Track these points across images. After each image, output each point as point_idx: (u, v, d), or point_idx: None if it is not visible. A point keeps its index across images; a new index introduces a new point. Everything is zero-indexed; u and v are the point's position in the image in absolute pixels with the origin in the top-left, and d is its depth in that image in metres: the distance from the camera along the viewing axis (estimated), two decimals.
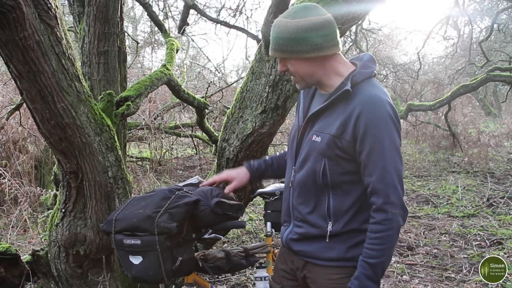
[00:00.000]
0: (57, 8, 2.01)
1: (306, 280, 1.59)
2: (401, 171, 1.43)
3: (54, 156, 2.86)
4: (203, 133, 5.01)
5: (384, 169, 1.39)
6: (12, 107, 4.79)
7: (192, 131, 6.33)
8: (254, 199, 3.62)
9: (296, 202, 1.56)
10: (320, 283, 1.54)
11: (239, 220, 2.07)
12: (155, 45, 8.98)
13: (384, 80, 11.52)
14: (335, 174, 1.45)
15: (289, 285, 1.68)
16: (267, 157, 1.89)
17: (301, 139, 1.55)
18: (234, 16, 5.45)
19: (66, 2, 3.50)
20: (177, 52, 3.94)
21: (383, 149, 1.38)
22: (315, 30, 1.39)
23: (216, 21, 4.62)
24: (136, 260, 1.67)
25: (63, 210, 2.50)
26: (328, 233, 1.49)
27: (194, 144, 6.88)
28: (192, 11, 4.44)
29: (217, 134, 4.48)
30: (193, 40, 7.84)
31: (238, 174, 1.84)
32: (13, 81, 2.16)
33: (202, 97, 4.48)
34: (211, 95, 6.02)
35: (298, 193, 1.55)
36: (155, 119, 5.95)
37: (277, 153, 1.92)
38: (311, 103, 1.59)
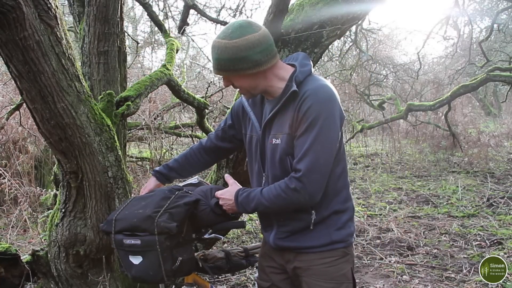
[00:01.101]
0: (57, 8, 2.01)
1: (296, 271, 1.66)
2: (326, 160, 1.50)
3: (54, 156, 2.86)
4: (203, 133, 5.01)
5: (307, 151, 1.47)
6: (12, 107, 4.79)
7: (192, 131, 6.32)
8: None
9: None
10: (314, 270, 1.62)
11: (239, 220, 2.07)
12: (155, 45, 8.98)
13: (384, 80, 11.52)
14: None
15: (278, 279, 1.76)
16: (170, 161, 1.99)
17: (263, 145, 1.64)
18: (234, 16, 5.44)
19: (66, 2, 3.50)
20: (177, 52, 3.94)
21: (315, 133, 1.46)
22: (253, 48, 1.48)
23: (216, 21, 4.61)
24: (136, 260, 1.67)
25: (63, 210, 2.50)
26: (312, 221, 1.58)
27: (194, 144, 6.86)
28: (192, 11, 4.43)
29: None
30: (193, 40, 7.85)
31: (148, 184, 1.95)
32: (13, 81, 2.16)
33: (202, 97, 4.48)
34: (211, 95, 6.02)
35: None
36: (155, 119, 5.95)
37: (180, 154, 2.01)
38: (262, 111, 1.68)
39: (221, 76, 1.67)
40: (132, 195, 2.57)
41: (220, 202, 1.68)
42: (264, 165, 1.66)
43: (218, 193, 1.69)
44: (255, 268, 2.41)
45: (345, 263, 1.64)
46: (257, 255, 2.29)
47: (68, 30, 2.29)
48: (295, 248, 1.65)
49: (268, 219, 1.71)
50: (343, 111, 1.56)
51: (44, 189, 4.89)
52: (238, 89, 1.63)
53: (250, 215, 4.98)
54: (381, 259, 3.93)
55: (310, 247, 1.61)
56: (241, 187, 1.66)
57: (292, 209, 1.59)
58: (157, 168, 1.98)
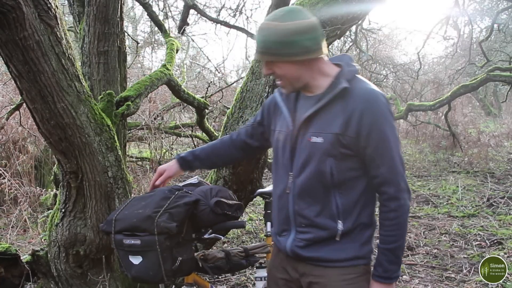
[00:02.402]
0: (57, 8, 2.01)
1: (313, 286, 1.53)
2: (402, 157, 1.49)
3: (54, 156, 2.86)
4: (203, 133, 5.01)
5: (392, 159, 1.44)
6: (12, 107, 4.79)
7: (192, 131, 6.32)
8: (254, 199, 3.62)
9: (300, 207, 1.51)
10: (333, 286, 1.49)
11: (239, 220, 2.07)
12: (155, 45, 8.98)
13: (384, 80, 11.52)
14: (341, 172, 1.45)
15: None
16: (197, 148, 1.92)
17: (294, 143, 1.52)
18: (234, 16, 5.45)
19: (66, 2, 3.50)
20: (177, 52, 3.94)
21: (388, 141, 1.43)
22: (304, 33, 1.41)
23: (216, 21, 4.62)
24: (136, 260, 1.67)
25: (63, 210, 2.50)
26: (340, 232, 1.47)
27: (194, 144, 6.88)
28: (192, 11, 4.44)
29: (217, 134, 4.48)
30: (193, 40, 7.84)
31: (168, 166, 1.87)
32: (13, 81, 2.16)
33: (202, 97, 4.48)
34: (211, 95, 6.02)
35: (301, 198, 1.50)
36: (155, 119, 5.95)
37: (208, 144, 1.94)
38: (296, 106, 1.57)
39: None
40: (132, 195, 2.57)
41: None
42: (292, 164, 1.53)
43: None
44: (255, 268, 2.40)
45: (365, 282, 1.51)
46: (257, 255, 2.29)
47: (68, 30, 2.29)
48: (315, 259, 1.50)
49: (286, 221, 1.56)
50: None
51: (44, 189, 4.89)
52: (279, 81, 1.52)
53: (250, 215, 4.98)
54: None
55: (333, 260, 1.48)
56: (373, 276, 1.50)
57: (315, 213, 1.49)
58: (182, 154, 1.88)
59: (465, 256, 3.94)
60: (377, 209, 1.55)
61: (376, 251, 1.50)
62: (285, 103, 1.60)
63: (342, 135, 1.43)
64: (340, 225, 1.47)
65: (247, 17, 8.19)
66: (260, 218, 4.88)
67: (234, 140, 1.86)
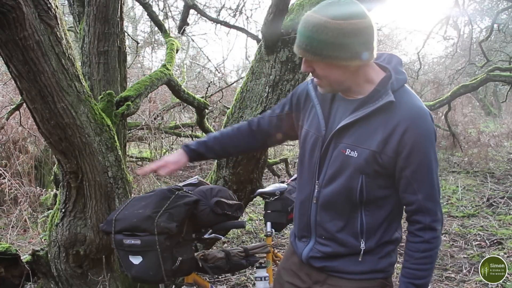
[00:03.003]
0: (57, 8, 2.01)
1: None
2: (439, 186, 1.36)
3: (54, 156, 2.86)
4: (203, 133, 5.01)
5: (432, 186, 1.31)
6: (12, 107, 4.79)
7: (192, 131, 6.32)
8: (254, 199, 3.62)
9: (322, 219, 1.41)
10: None
11: (239, 220, 2.07)
12: (155, 45, 8.98)
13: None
14: (371, 191, 1.34)
15: None
16: (209, 138, 1.71)
17: (326, 150, 1.38)
18: (234, 16, 5.44)
19: (66, 2, 3.50)
20: (177, 52, 3.94)
21: (430, 166, 1.30)
22: (357, 36, 1.23)
23: (216, 21, 4.61)
24: (136, 260, 1.67)
25: (63, 210, 2.50)
26: (362, 252, 1.38)
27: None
28: (192, 11, 4.43)
29: None
30: (193, 40, 7.83)
31: (175, 158, 1.67)
32: (13, 81, 2.16)
33: (202, 97, 4.48)
34: (211, 95, 6.02)
35: (325, 210, 1.40)
36: (155, 119, 5.95)
37: (219, 132, 1.74)
38: (331, 108, 1.42)
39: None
40: (132, 195, 2.57)
41: None
42: (320, 173, 1.40)
43: None
44: (255, 268, 2.40)
45: None
46: (257, 255, 2.29)
47: (68, 30, 2.29)
48: (332, 269, 1.42)
49: (306, 229, 1.46)
50: None
51: (44, 189, 4.89)
52: (317, 79, 1.35)
53: (250, 215, 4.98)
54: None
55: (348, 272, 1.40)
56: None
57: (337, 228, 1.39)
58: (192, 146, 1.68)
59: (465, 256, 3.94)
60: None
61: (398, 282, 1.39)
62: (319, 100, 1.44)
63: (379, 153, 1.29)
64: (362, 245, 1.37)
65: (247, 17, 8.16)
66: (260, 218, 4.88)
67: (255, 131, 1.67)
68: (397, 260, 1.48)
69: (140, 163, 6.56)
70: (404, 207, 1.36)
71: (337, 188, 1.36)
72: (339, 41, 1.21)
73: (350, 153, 1.33)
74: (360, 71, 1.31)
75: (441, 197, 1.38)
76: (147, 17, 4.80)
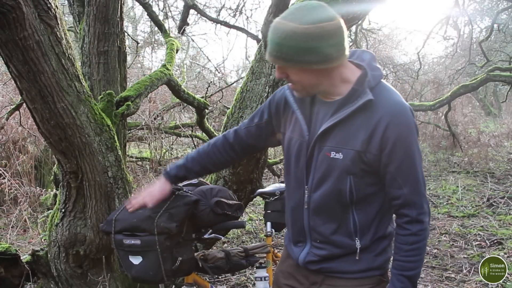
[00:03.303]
0: (57, 8, 2.01)
1: None
2: (424, 177, 1.38)
3: (54, 156, 2.86)
4: (203, 133, 5.01)
5: (416, 180, 1.33)
6: (12, 107, 4.79)
7: (192, 131, 6.32)
8: (254, 199, 3.62)
9: (315, 223, 1.41)
10: None
11: (239, 220, 2.07)
12: (155, 45, 8.98)
13: (384, 80, 11.51)
14: (360, 190, 1.35)
15: None
16: (187, 161, 1.69)
17: (311, 155, 1.38)
18: (234, 16, 5.45)
19: (66, 2, 3.50)
20: (177, 52, 3.94)
21: (414, 160, 1.32)
22: (326, 39, 1.21)
23: (216, 21, 4.62)
24: (136, 260, 1.67)
25: (63, 210, 2.50)
26: (358, 250, 1.39)
27: (194, 144, 6.87)
28: (192, 11, 4.44)
29: (217, 134, 4.47)
30: (193, 40, 7.84)
31: (158, 187, 1.69)
32: (13, 81, 2.16)
33: (202, 97, 4.48)
34: (211, 95, 6.02)
35: (317, 214, 1.40)
36: (155, 119, 5.95)
37: (196, 152, 1.71)
38: (311, 111, 1.41)
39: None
40: (132, 195, 2.57)
41: None
42: (308, 178, 1.40)
43: None
44: (255, 268, 2.40)
45: None
46: (257, 255, 2.29)
47: (68, 30, 2.29)
48: (329, 270, 1.43)
49: (301, 234, 1.46)
50: None
51: (44, 189, 4.89)
52: (292, 85, 1.35)
53: (250, 215, 4.98)
54: None
55: (346, 272, 1.41)
56: None
57: (331, 230, 1.39)
58: (172, 172, 1.68)
59: (465, 256, 3.94)
60: None
61: (390, 274, 1.41)
62: (298, 106, 1.43)
63: (364, 153, 1.30)
64: (358, 243, 1.38)
65: (247, 17, 8.17)
66: (260, 218, 4.88)
67: (232, 143, 1.66)
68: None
69: (140, 163, 6.56)
70: (391, 201, 1.37)
71: (327, 192, 1.36)
72: (308, 45, 1.21)
73: (335, 155, 1.33)
74: (334, 72, 1.30)
75: (426, 189, 1.41)
76: (147, 17, 4.80)
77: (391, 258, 1.43)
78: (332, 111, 1.34)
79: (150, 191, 1.69)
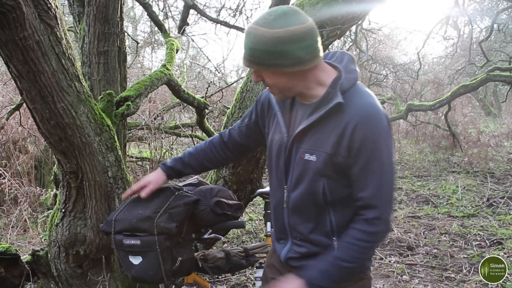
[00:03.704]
0: (57, 8, 2.01)
1: None
2: (394, 187, 1.36)
3: (54, 156, 2.86)
4: (203, 133, 5.01)
5: (379, 185, 1.31)
6: (12, 107, 4.79)
7: (192, 131, 6.32)
8: (254, 199, 3.62)
9: (294, 222, 1.46)
10: None
11: (239, 220, 2.07)
12: (155, 45, 8.98)
13: (384, 80, 11.53)
14: (334, 192, 1.36)
15: None
16: (184, 155, 1.76)
17: (289, 156, 1.42)
18: (234, 16, 5.44)
19: (66, 2, 3.50)
20: (177, 52, 3.94)
21: (379, 164, 1.30)
22: (296, 42, 1.24)
23: (216, 21, 4.62)
24: (136, 260, 1.67)
25: (63, 210, 2.50)
26: (336, 249, 1.39)
27: (194, 144, 6.89)
28: (192, 11, 4.44)
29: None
30: (193, 40, 7.83)
31: (154, 177, 1.75)
32: (13, 81, 2.16)
33: (202, 97, 4.48)
34: (211, 95, 6.02)
35: (295, 214, 1.45)
36: (155, 119, 5.95)
37: (194, 148, 1.78)
38: (291, 113, 1.44)
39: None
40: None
41: None
42: (287, 178, 1.44)
43: None
44: (255, 268, 2.40)
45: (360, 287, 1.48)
46: (257, 255, 2.29)
47: (68, 30, 2.29)
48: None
49: (283, 231, 1.52)
50: None
51: (44, 189, 4.89)
52: (268, 88, 1.39)
53: (250, 215, 4.98)
54: (381, 259, 3.93)
55: None
56: (304, 274, 1.38)
57: (309, 230, 1.42)
58: (169, 163, 1.74)
59: (465, 256, 3.94)
60: None
61: (329, 256, 1.39)
62: (280, 107, 1.48)
63: (334, 155, 1.32)
64: (335, 243, 1.40)
65: (247, 17, 8.15)
66: (260, 218, 4.88)
67: (226, 142, 1.73)
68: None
69: (140, 163, 6.56)
70: (354, 202, 1.37)
71: (303, 192, 1.39)
72: (279, 49, 1.24)
73: (309, 157, 1.36)
74: (308, 75, 1.32)
75: (393, 198, 1.35)
76: (147, 17, 4.80)
77: (372, 257, 1.46)
78: (308, 114, 1.37)
79: (146, 179, 1.75)
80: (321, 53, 1.33)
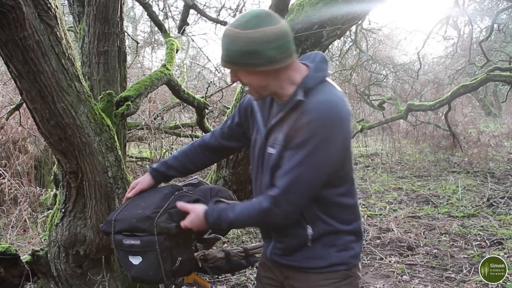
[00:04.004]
0: (57, 8, 2.01)
1: None
2: (311, 185, 1.37)
3: (54, 156, 2.86)
4: (203, 133, 5.01)
5: (291, 171, 1.35)
6: (12, 107, 4.79)
7: (192, 131, 6.32)
8: None
9: None
10: None
11: None
12: (155, 45, 8.98)
13: (384, 80, 11.52)
14: None
15: None
16: (169, 158, 1.83)
17: (263, 152, 1.50)
18: (234, 16, 5.44)
19: (66, 2, 3.50)
20: (177, 52, 3.94)
21: (305, 154, 1.33)
22: (268, 42, 1.31)
23: (216, 21, 4.61)
24: (135, 260, 1.67)
25: (63, 210, 2.50)
26: (310, 237, 1.46)
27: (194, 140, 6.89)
28: (192, 11, 4.43)
29: None
30: (193, 40, 7.82)
31: (142, 180, 1.82)
32: (13, 81, 2.16)
33: (202, 97, 4.48)
34: (211, 95, 6.01)
35: None
36: (155, 119, 5.95)
37: (179, 151, 1.85)
38: (269, 113, 1.52)
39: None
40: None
41: (188, 225, 1.55)
42: (262, 174, 1.53)
43: (184, 223, 1.56)
44: (255, 268, 2.40)
45: (347, 285, 1.51)
46: (257, 255, 2.29)
47: (68, 30, 2.29)
48: (293, 266, 1.53)
49: (266, 231, 1.60)
50: (351, 128, 1.40)
51: (44, 189, 4.89)
52: (246, 88, 1.46)
53: None
54: (381, 259, 3.93)
55: (308, 268, 1.50)
56: (206, 207, 1.53)
57: (284, 224, 1.47)
58: (154, 166, 1.82)
59: (465, 256, 3.94)
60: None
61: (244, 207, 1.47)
62: (260, 108, 1.56)
63: (285, 147, 1.38)
64: (310, 230, 1.45)
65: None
66: None
67: (208, 144, 1.79)
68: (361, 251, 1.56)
69: (140, 163, 6.56)
70: None
71: (269, 185, 1.45)
72: (251, 49, 1.31)
73: (271, 151, 1.45)
74: (281, 74, 1.39)
75: (306, 199, 1.40)
76: (147, 17, 4.79)
77: (359, 255, 1.53)
78: (279, 111, 1.45)
79: (135, 182, 1.83)
80: (294, 54, 1.39)
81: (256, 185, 1.58)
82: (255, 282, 1.79)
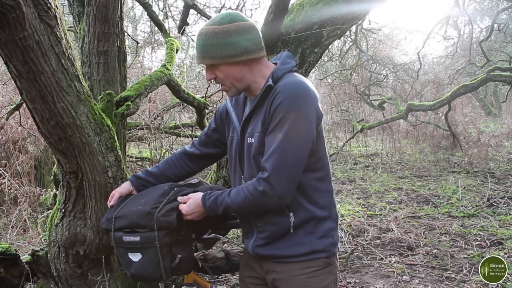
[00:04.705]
0: (57, 8, 2.01)
1: (276, 283, 1.58)
2: (297, 159, 1.42)
3: (54, 156, 2.86)
4: None
5: (275, 151, 1.41)
6: (12, 107, 4.79)
7: (192, 131, 6.32)
8: None
9: None
10: (294, 281, 1.54)
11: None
12: (155, 45, 8.98)
13: (384, 80, 11.52)
14: None
15: None
16: (153, 166, 1.93)
17: (242, 146, 1.58)
18: None
19: (66, 2, 3.50)
20: (177, 52, 3.94)
21: (285, 131, 1.40)
22: (243, 34, 1.46)
23: None
24: (135, 257, 1.67)
25: (63, 210, 2.50)
26: (292, 224, 1.51)
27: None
28: (192, 11, 4.44)
29: None
30: (193, 40, 7.81)
31: (121, 186, 1.89)
32: (13, 81, 2.16)
33: (202, 97, 4.48)
34: (211, 95, 6.01)
35: None
36: (155, 119, 5.95)
37: (163, 160, 1.94)
38: (243, 111, 1.62)
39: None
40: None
41: (186, 212, 1.59)
42: (242, 167, 1.59)
43: (182, 207, 1.61)
44: None
45: (327, 274, 1.56)
46: None
47: (68, 30, 2.29)
48: (274, 256, 1.57)
49: (248, 225, 1.64)
50: (321, 110, 1.48)
51: (44, 189, 4.89)
52: (221, 85, 1.56)
53: None
54: (381, 259, 3.93)
55: (290, 256, 1.54)
56: (203, 193, 1.60)
57: (267, 211, 1.52)
58: (138, 173, 1.91)
59: (465, 256, 3.94)
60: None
61: (235, 195, 1.51)
62: (234, 109, 1.66)
63: (264, 132, 1.47)
64: (292, 217, 1.51)
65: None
66: None
67: (187, 152, 1.88)
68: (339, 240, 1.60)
69: (140, 163, 6.56)
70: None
71: (254, 175, 1.50)
72: (228, 40, 1.45)
73: (250, 140, 1.52)
74: (254, 67, 1.52)
75: (296, 175, 1.45)
76: (147, 17, 4.79)
77: (337, 243, 1.60)
78: (251, 105, 1.56)
79: (114, 190, 1.89)
80: (264, 48, 1.53)
81: (235, 182, 1.65)
82: (239, 283, 1.83)
